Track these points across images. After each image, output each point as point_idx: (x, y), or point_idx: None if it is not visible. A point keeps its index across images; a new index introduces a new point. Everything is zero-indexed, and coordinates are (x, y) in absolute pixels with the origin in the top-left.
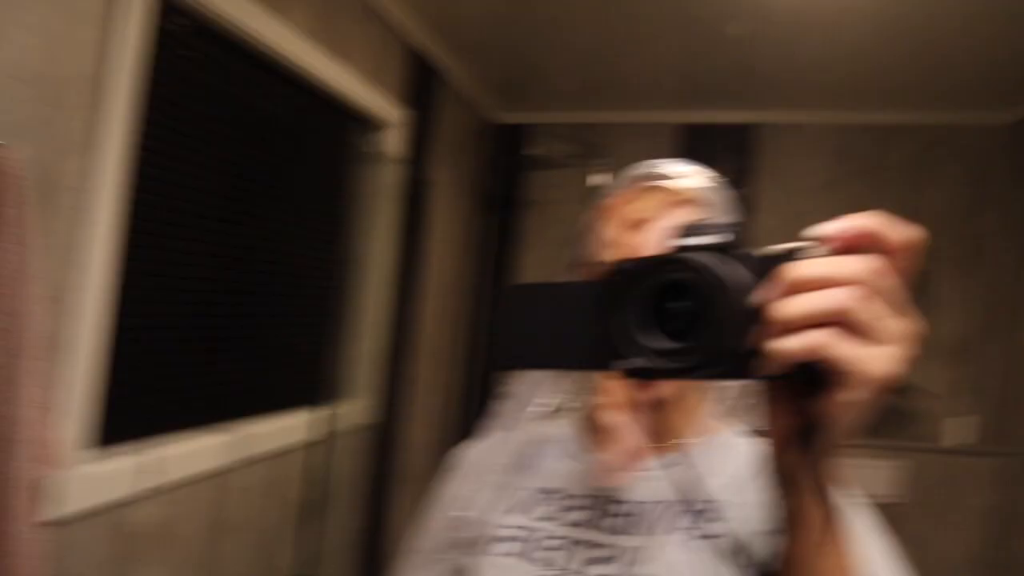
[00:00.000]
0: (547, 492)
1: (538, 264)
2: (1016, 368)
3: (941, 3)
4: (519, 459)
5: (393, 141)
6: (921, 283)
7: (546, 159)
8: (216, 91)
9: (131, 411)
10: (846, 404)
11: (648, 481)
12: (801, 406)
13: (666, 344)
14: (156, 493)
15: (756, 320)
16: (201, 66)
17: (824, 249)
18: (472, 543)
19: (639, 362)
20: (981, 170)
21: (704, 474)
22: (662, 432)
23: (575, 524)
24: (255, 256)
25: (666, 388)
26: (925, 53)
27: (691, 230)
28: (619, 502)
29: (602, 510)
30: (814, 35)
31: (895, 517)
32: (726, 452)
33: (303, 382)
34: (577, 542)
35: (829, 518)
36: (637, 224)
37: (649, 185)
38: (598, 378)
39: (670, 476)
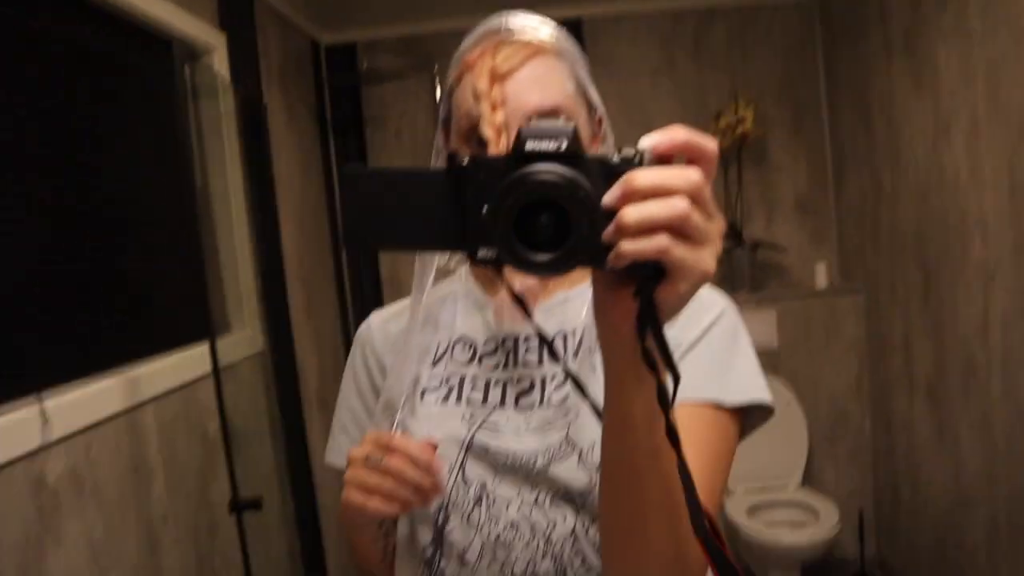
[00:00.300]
0: (461, 341)
1: None
2: (846, 217)
3: None
4: (429, 317)
5: (218, 66)
6: (761, 149)
7: (380, 74)
8: (12, 26)
9: (15, 366)
10: (676, 294)
11: (547, 317)
12: (636, 294)
13: (534, 255)
14: (66, 442)
15: (607, 220)
16: None
17: (649, 158)
18: (403, 398)
19: (503, 253)
20: (797, 41)
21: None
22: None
23: (494, 366)
24: (101, 201)
25: None
26: None
27: (538, 131)
28: (527, 338)
29: (514, 348)
30: None
31: (781, 361)
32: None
33: (186, 320)
34: (498, 381)
35: (663, 389)
36: (503, 75)
37: (505, 39)
38: None
39: (566, 311)
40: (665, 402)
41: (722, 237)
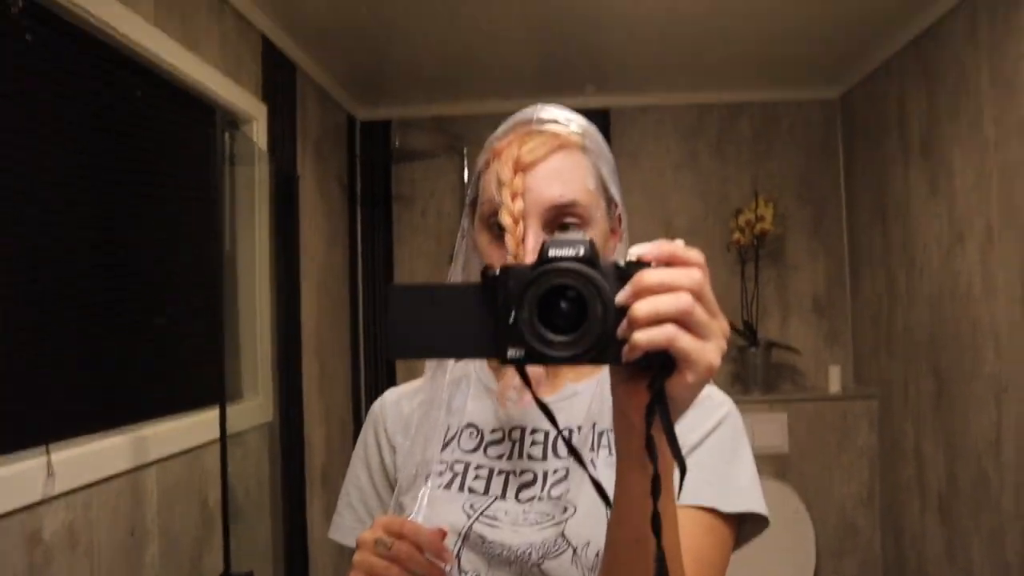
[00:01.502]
0: (470, 427)
1: (413, 256)
2: (861, 319)
3: None
4: (442, 399)
5: (257, 136)
6: (779, 247)
7: (411, 152)
8: (65, 85)
9: (26, 416)
10: (684, 385)
11: (557, 410)
12: (648, 386)
13: (555, 336)
14: (67, 496)
15: (621, 317)
16: (43, 56)
17: (652, 263)
18: (410, 481)
19: (529, 349)
20: (818, 140)
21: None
22: (558, 369)
23: (498, 456)
24: (130, 259)
25: None
26: (759, 36)
27: (559, 242)
28: (534, 431)
29: (520, 439)
30: (658, 21)
31: (790, 465)
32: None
33: (199, 383)
34: (501, 471)
35: (656, 479)
36: (527, 166)
37: (535, 129)
38: None
39: (572, 405)
40: (656, 490)
41: (726, 335)
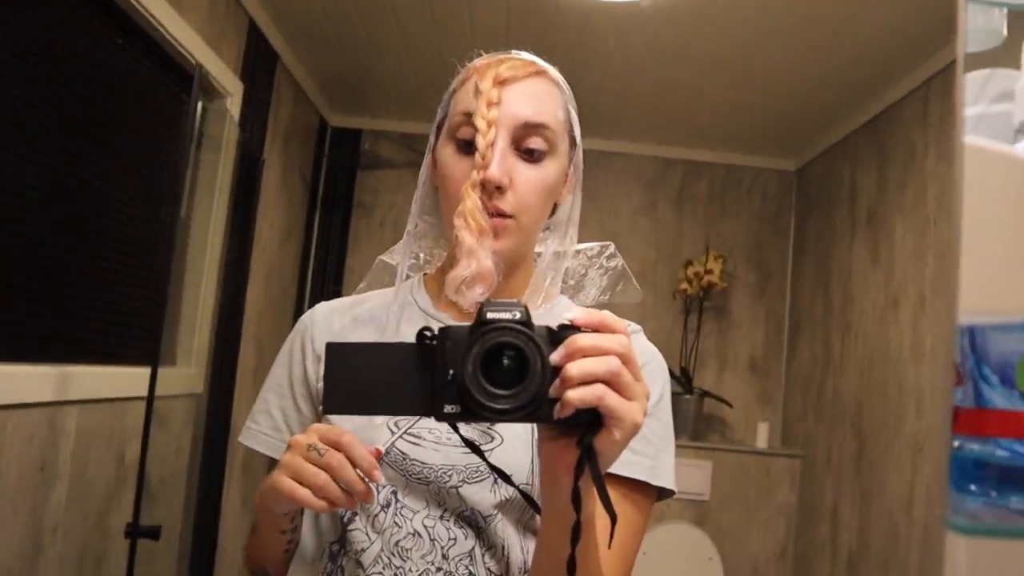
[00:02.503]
0: None
1: (364, 264)
2: (794, 382)
3: (742, 62)
4: (373, 318)
5: (231, 111)
6: (723, 304)
7: (378, 160)
8: (36, 22)
9: None
10: (611, 441)
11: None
12: (578, 442)
13: (498, 391)
14: None
15: (554, 376)
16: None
17: (582, 328)
18: None
19: (465, 405)
20: (773, 207)
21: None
22: (506, 294)
23: None
24: (84, 206)
25: (506, 248)
26: (729, 104)
27: (496, 305)
28: None
29: None
30: (636, 75)
31: (710, 513)
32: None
33: (134, 340)
34: None
35: (577, 526)
36: (505, 80)
37: (514, 55)
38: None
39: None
40: (575, 538)
41: (648, 397)
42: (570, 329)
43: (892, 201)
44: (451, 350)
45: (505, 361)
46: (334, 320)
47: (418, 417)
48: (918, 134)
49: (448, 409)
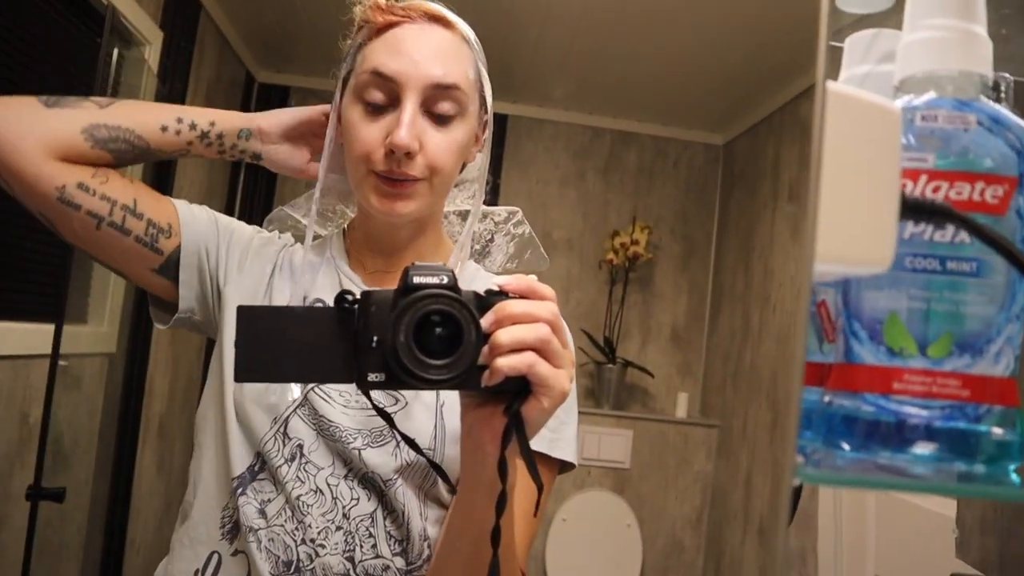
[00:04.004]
0: (319, 301)
1: None
2: (714, 354)
3: (673, 34)
4: (287, 265)
5: (148, 61)
6: (648, 275)
7: None
8: None
9: None
10: (539, 409)
11: None
12: (505, 410)
13: (431, 360)
14: None
15: (483, 343)
16: None
17: (510, 294)
18: None
19: (390, 374)
20: (699, 181)
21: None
22: (417, 254)
23: None
24: None
25: (415, 210)
26: (658, 76)
27: (423, 269)
28: None
29: None
30: (566, 43)
31: (629, 481)
32: (475, 278)
33: (40, 295)
34: None
35: (503, 495)
36: (412, 39)
37: (421, 5)
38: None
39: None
40: (500, 508)
41: (574, 365)
42: (498, 295)
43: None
44: (375, 315)
45: (437, 330)
46: (260, 246)
47: None
48: None
49: (372, 377)
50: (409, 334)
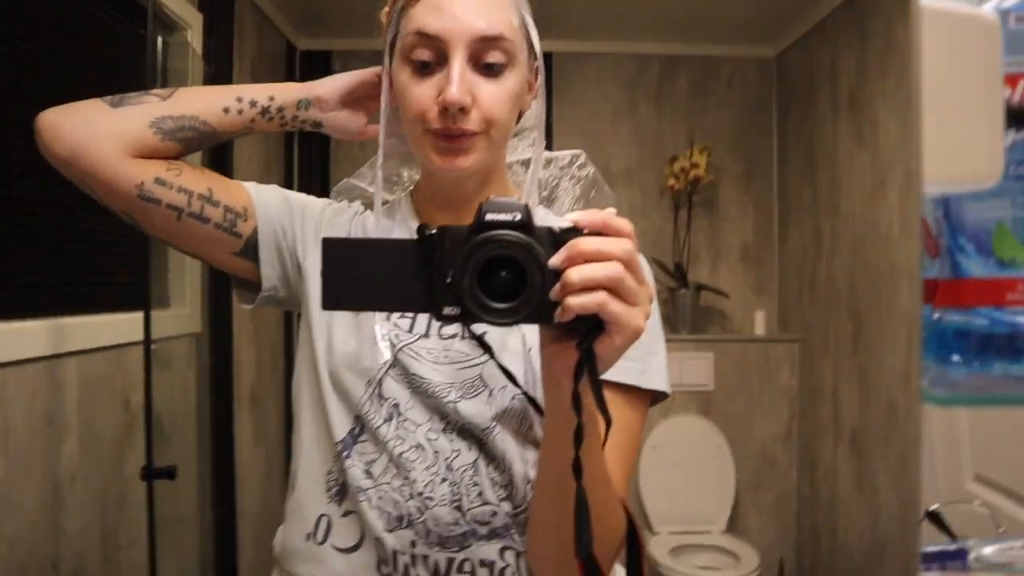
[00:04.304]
0: None
1: None
2: (787, 269)
3: None
4: (363, 233)
5: (192, 44)
6: (712, 197)
7: None
8: None
9: None
10: (611, 346)
11: None
12: (577, 345)
13: (495, 304)
14: None
15: (555, 279)
16: None
17: (584, 231)
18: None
19: (465, 308)
20: (753, 96)
21: None
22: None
23: None
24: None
25: (476, 163)
26: None
27: (496, 205)
28: None
29: None
30: None
31: (715, 403)
32: (545, 223)
33: (123, 287)
34: None
35: (580, 429)
36: None
37: None
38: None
39: None
40: (578, 441)
41: (652, 301)
42: (572, 231)
43: (874, 82)
44: (449, 251)
45: (503, 273)
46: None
47: (417, 336)
48: (896, 12)
49: (447, 311)
50: (473, 277)
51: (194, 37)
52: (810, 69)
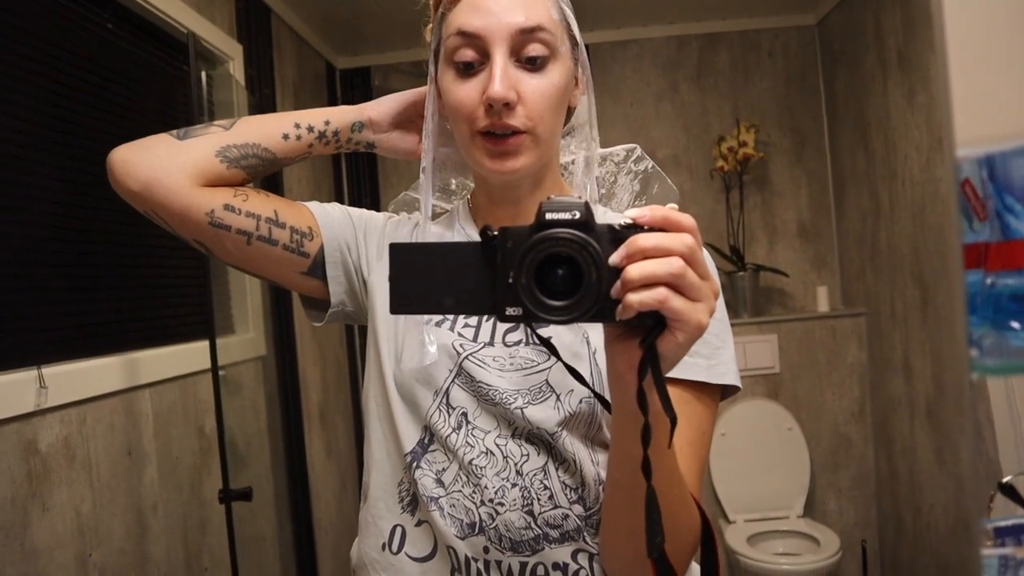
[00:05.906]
0: None
1: None
2: (846, 241)
3: None
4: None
5: (235, 74)
6: (763, 175)
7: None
8: (30, 18)
9: (17, 338)
10: (674, 343)
11: None
12: (640, 343)
13: (551, 301)
14: (60, 410)
15: (615, 277)
16: None
17: (645, 227)
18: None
19: (527, 309)
20: (797, 67)
21: None
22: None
23: None
24: (109, 200)
25: (527, 164)
26: None
27: (556, 204)
28: None
29: None
30: None
31: (782, 385)
32: (604, 220)
33: (188, 318)
34: (489, 316)
35: (647, 428)
36: None
37: None
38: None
39: None
40: (646, 440)
41: (717, 295)
42: (633, 228)
43: (922, 37)
44: (511, 251)
45: (559, 271)
46: (396, 229)
47: (481, 345)
48: None
49: (510, 312)
50: (531, 275)
51: (236, 68)
52: (854, 32)
